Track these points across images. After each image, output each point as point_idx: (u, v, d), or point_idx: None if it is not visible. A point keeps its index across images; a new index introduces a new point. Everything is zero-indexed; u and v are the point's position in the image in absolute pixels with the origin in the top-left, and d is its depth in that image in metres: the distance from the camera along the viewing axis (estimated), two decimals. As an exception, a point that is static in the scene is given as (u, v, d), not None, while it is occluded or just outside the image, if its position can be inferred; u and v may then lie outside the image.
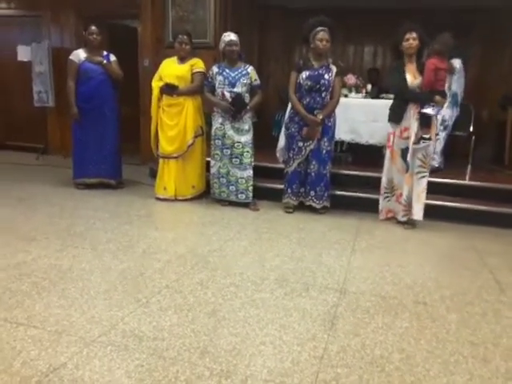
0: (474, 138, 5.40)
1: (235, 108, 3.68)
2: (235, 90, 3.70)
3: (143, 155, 5.73)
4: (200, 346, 1.69)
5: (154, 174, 4.60)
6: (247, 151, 3.80)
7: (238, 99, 3.68)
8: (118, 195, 4.17)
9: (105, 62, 4.09)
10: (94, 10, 5.68)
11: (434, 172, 4.10)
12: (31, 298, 2.03)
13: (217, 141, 3.83)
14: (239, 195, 3.88)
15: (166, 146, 3.96)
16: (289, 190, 3.79)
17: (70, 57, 4.08)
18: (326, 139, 3.65)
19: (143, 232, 3.09)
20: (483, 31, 6.50)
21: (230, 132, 3.78)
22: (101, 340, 1.71)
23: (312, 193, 3.73)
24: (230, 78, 3.72)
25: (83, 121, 4.12)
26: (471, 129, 5.46)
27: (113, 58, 4.18)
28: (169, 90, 3.83)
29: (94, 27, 4.05)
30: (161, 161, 4.05)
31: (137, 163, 5.71)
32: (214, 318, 1.91)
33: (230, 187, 3.87)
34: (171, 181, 4.00)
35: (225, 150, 3.82)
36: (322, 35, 3.47)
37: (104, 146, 4.22)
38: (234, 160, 3.82)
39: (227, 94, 3.68)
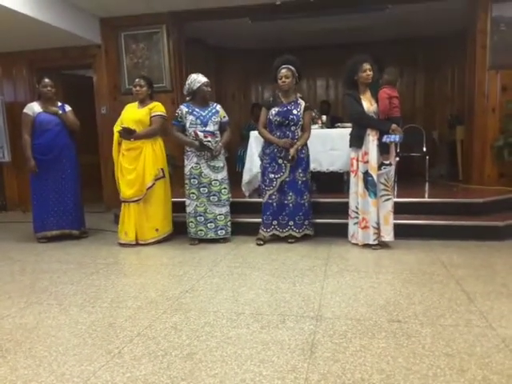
0: (427, 157, 5.71)
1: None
2: (208, 128, 3.76)
3: (107, 202, 5.65)
4: (178, 392, 1.63)
5: (118, 221, 4.51)
6: (224, 188, 3.86)
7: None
8: (82, 245, 4.06)
9: (60, 112, 4.07)
10: (47, 62, 5.69)
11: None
12: (-6, 362, 1.91)
13: (193, 180, 3.83)
14: (219, 231, 3.89)
15: (125, 189, 3.93)
16: (261, 221, 3.86)
17: (24, 110, 4.04)
18: (300, 170, 3.74)
19: (111, 280, 2.99)
20: (426, 58, 6.99)
21: (207, 170, 3.81)
22: (72, 398, 1.62)
23: (291, 222, 3.79)
24: (202, 118, 3.78)
25: (41, 173, 4.04)
26: (424, 149, 5.78)
27: (68, 108, 4.17)
28: (125, 134, 3.84)
29: (47, 79, 4.04)
30: (122, 205, 4.00)
31: (101, 211, 5.61)
32: (190, 361, 1.86)
33: (209, 224, 3.87)
34: (131, 225, 3.94)
35: (202, 189, 3.83)
36: (281, 73, 3.65)
37: (64, 196, 4.13)
38: (212, 198, 3.84)
39: (200, 134, 3.70)
